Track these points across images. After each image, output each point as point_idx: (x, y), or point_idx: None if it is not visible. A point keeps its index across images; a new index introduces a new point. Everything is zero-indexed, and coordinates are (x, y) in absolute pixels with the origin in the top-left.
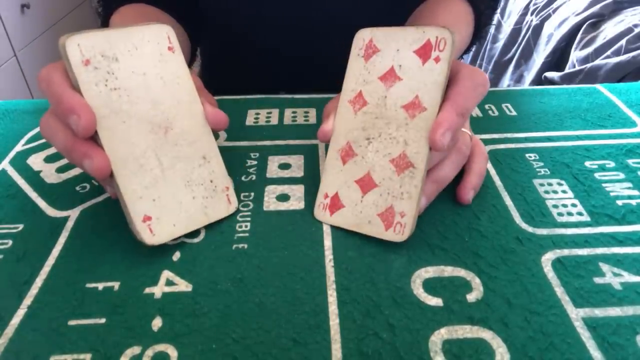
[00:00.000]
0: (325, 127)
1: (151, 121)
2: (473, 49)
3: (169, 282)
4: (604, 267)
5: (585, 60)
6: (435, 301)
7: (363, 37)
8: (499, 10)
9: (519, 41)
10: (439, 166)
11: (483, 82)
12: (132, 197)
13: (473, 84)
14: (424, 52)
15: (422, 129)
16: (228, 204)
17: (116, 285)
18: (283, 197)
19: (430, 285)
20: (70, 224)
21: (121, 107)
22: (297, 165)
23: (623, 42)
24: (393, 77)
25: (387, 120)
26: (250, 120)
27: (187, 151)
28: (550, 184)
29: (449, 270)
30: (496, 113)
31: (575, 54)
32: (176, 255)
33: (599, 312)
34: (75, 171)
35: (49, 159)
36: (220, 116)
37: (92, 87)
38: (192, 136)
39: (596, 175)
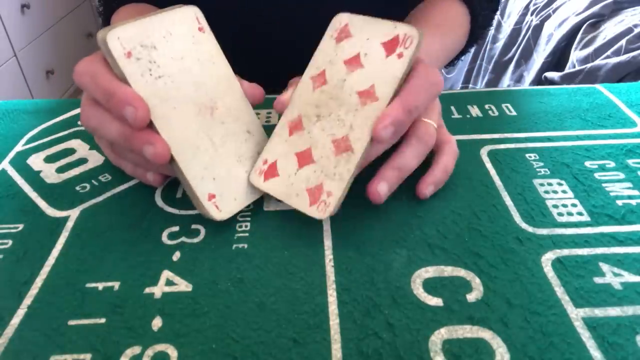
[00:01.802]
0: (283, 97)
1: (197, 103)
2: (472, 51)
3: (169, 282)
4: (604, 267)
5: (585, 60)
6: (435, 301)
7: (340, 20)
8: (498, 12)
9: (519, 41)
10: (399, 153)
11: (436, 81)
12: (196, 179)
13: (426, 82)
14: (390, 46)
15: (369, 118)
16: None
17: (116, 285)
18: None
19: (430, 285)
20: (70, 224)
21: (168, 94)
22: None
23: (623, 42)
24: (357, 63)
25: (340, 103)
26: None
27: (233, 128)
28: (550, 184)
29: (449, 270)
30: (496, 113)
31: (575, 54)
32: (176, 255)
33: (599, 312)
34: (75, 171)
35: (49, 159)
36: (257, 89)
37: (139, 77)
38: (236, 112)
39: (596, 175)
